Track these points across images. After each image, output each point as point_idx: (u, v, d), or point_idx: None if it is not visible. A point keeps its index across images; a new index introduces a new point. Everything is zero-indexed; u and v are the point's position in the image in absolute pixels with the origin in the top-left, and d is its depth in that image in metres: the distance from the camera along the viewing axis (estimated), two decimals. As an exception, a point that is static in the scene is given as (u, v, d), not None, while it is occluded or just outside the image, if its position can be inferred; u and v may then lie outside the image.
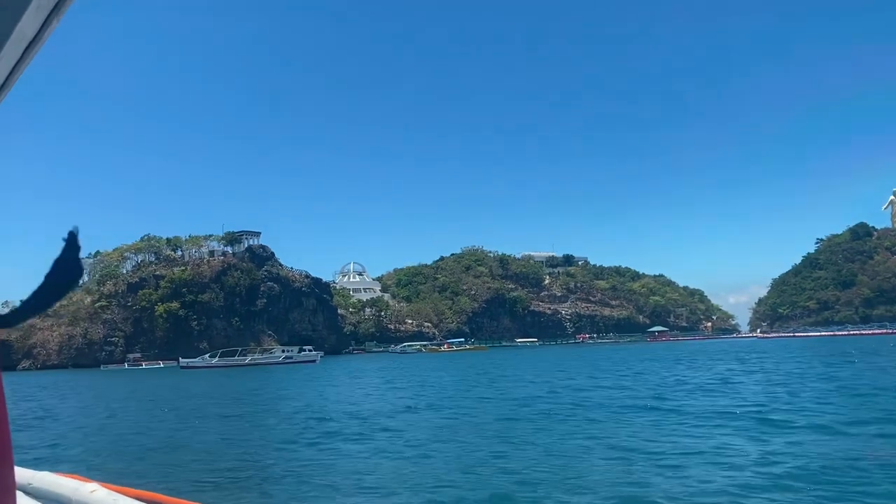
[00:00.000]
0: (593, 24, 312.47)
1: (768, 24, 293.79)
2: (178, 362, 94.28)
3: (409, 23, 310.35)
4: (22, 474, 2.45)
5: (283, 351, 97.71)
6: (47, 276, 0.91)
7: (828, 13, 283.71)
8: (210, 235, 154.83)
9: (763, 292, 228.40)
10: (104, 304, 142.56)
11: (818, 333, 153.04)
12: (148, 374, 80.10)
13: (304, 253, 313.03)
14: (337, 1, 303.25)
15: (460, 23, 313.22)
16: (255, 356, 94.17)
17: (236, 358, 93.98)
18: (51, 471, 2.49)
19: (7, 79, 1.38)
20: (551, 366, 58.12)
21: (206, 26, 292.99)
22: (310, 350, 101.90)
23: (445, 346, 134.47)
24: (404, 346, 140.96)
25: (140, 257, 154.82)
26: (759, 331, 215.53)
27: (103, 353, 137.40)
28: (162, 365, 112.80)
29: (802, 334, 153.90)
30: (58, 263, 0.92)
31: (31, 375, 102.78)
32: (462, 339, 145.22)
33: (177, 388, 48.18)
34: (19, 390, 52.08)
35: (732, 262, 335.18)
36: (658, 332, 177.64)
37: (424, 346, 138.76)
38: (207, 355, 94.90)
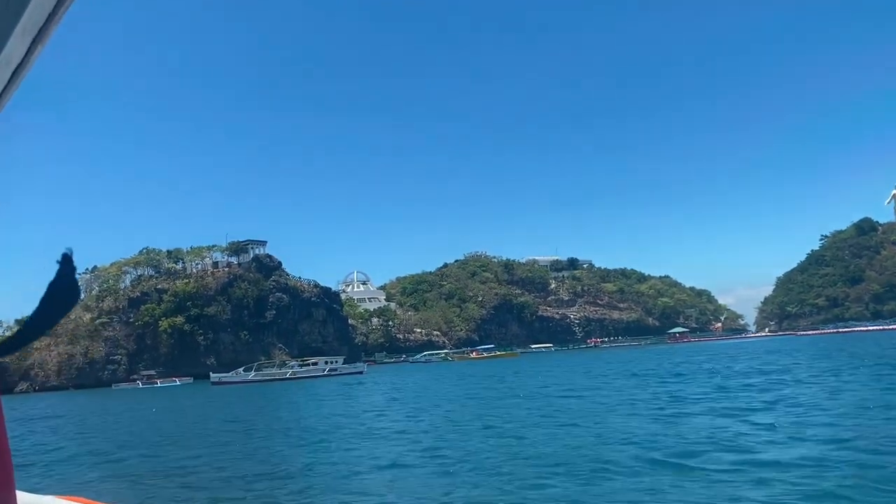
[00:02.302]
0: (602, 27, 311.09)
1: (770, 23, 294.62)
2: (209, 378, 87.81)
3: (411, 24, 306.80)
4: (25, 498, 2.40)
5: (327, 363, 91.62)
6: (43, 299, 0.89)
7: (835, 14, 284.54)
8: (213, 246, 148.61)
9: (751, 294, 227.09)
10: (105, 320, 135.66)
11: (850, 329, 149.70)
12: (174, 393, 73.85)
13: (300, 264, 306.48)
14: (338, 4, 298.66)
15: (461, 22, 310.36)
16: (296, 369, 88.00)
17: (274, 371, 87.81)
18: (55, 494, 2.41)
19: None
20: (669, 367, 51.45)
21: (206, 31, 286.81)
22: (334, 361, 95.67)
23: (474, 354, 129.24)
24: (427, 354, 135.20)
25: (139, 271, 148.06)
26: (766, 329, 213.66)
27: (106, 373, 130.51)
28: (178, 382, 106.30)
29: (845, 330, 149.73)
30: (53, 285, 0.90)
31: (33, 399, 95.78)
32: (492, 346, 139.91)
33: (254, 407, 42.55)
34: (44, 419, 45.80)
35: (717, 265, 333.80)
36: (679, 333, 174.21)
37: (451, 354, 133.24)
38: (241, 369, 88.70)
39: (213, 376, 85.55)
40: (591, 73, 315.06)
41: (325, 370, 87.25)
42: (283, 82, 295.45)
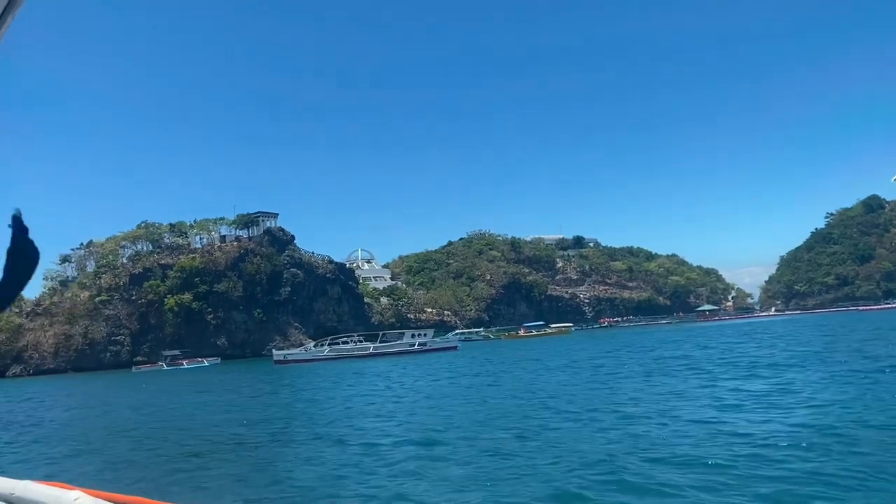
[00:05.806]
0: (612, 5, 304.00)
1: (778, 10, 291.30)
2: (272, 355, 78.35)
3: (410, 7, 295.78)
4: (3, 484, 2.39)
5: (414, 336, 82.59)
6: (6, 268, 0.87)
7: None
8: (221, 219, 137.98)
9: (729, 276, 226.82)
10: (105, 298, 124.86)
11: (868, 308, 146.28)
12: (228, 374, 64.95)
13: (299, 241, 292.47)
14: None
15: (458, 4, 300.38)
16: (377, 344, 79.00)
17: (351, 346, 78.48)
18: (33, 479, 2.42)
19: None
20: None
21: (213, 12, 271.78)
22: (422, 334, 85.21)
23: (522, 331, 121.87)
24: (461, 333, 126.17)
25: (139, 246, 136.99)
26: (773, 309, 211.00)
27: (108, 355, 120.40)
28: (206, 363, 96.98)
29: (864, 308, 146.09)
30: (12, 251, 0.87)
31: (29, 383, 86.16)
32: (542, 323, 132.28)
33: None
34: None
35: (703, 245, 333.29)
36: (709, 311, 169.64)
37: (494, 332, 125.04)
38: (311, 345, 79.76)
39: (276, 354, 76.32)
40: (596, 53, 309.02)
41: (413, 345, 78.50)
42: (282, 68, 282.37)
